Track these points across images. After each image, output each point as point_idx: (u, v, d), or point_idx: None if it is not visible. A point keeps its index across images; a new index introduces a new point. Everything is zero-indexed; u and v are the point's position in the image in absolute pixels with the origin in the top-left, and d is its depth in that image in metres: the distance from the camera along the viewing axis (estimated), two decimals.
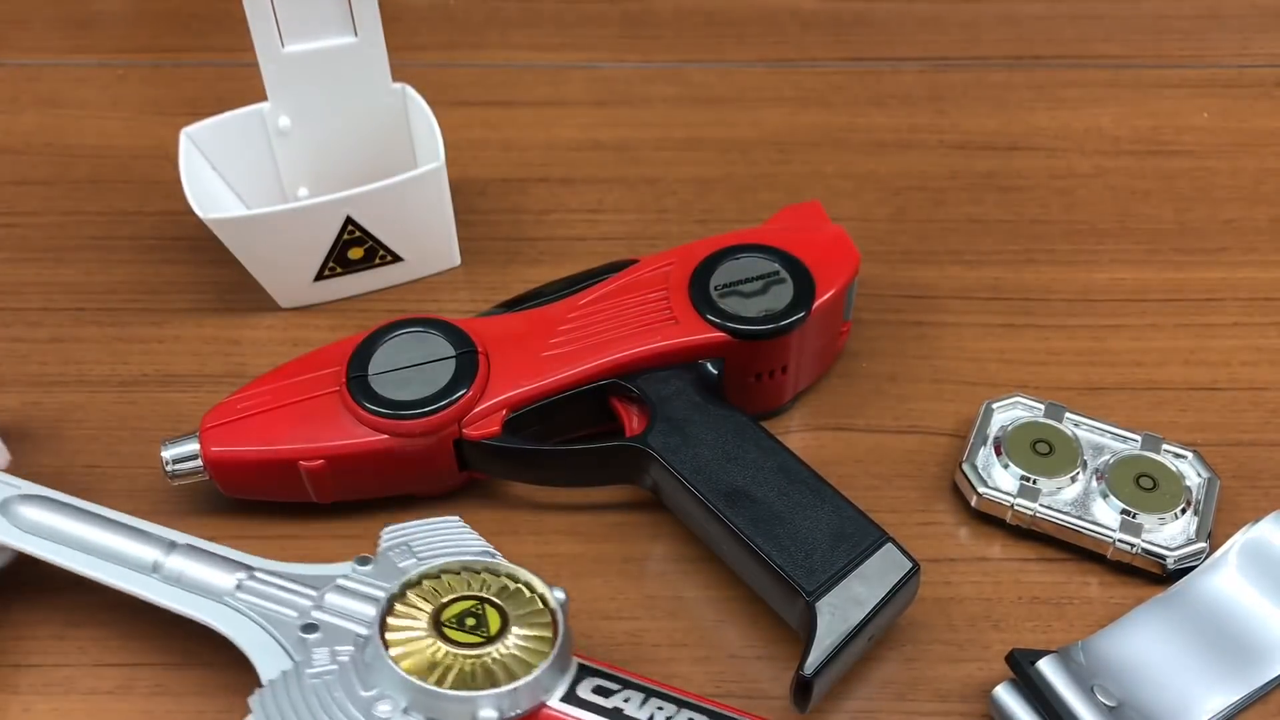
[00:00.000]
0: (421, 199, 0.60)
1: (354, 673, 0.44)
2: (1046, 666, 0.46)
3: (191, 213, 0.57)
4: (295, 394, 0.53)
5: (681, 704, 0.44)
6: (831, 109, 0.74)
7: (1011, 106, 0.74)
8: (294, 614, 0.46)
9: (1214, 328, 0.62)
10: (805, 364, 0.57)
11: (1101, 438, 0.55)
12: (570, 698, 0.44)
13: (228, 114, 0.61)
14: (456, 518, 0.50)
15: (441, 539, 0.48)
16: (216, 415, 0.53)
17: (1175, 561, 0.51)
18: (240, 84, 0.63)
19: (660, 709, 0.44)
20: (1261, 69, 0.77)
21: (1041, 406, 0.56)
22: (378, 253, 0.61)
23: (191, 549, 0.48)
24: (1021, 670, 0.46)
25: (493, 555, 0.48)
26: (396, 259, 0.62)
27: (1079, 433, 0.55)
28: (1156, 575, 0.52)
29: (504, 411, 0.52)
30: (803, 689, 0.46)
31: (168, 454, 0.52)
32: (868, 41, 0.79)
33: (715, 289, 0.55)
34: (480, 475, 0.55)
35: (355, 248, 0.60)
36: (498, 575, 0.46)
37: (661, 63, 0.77)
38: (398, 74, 0.62)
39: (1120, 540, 0.51)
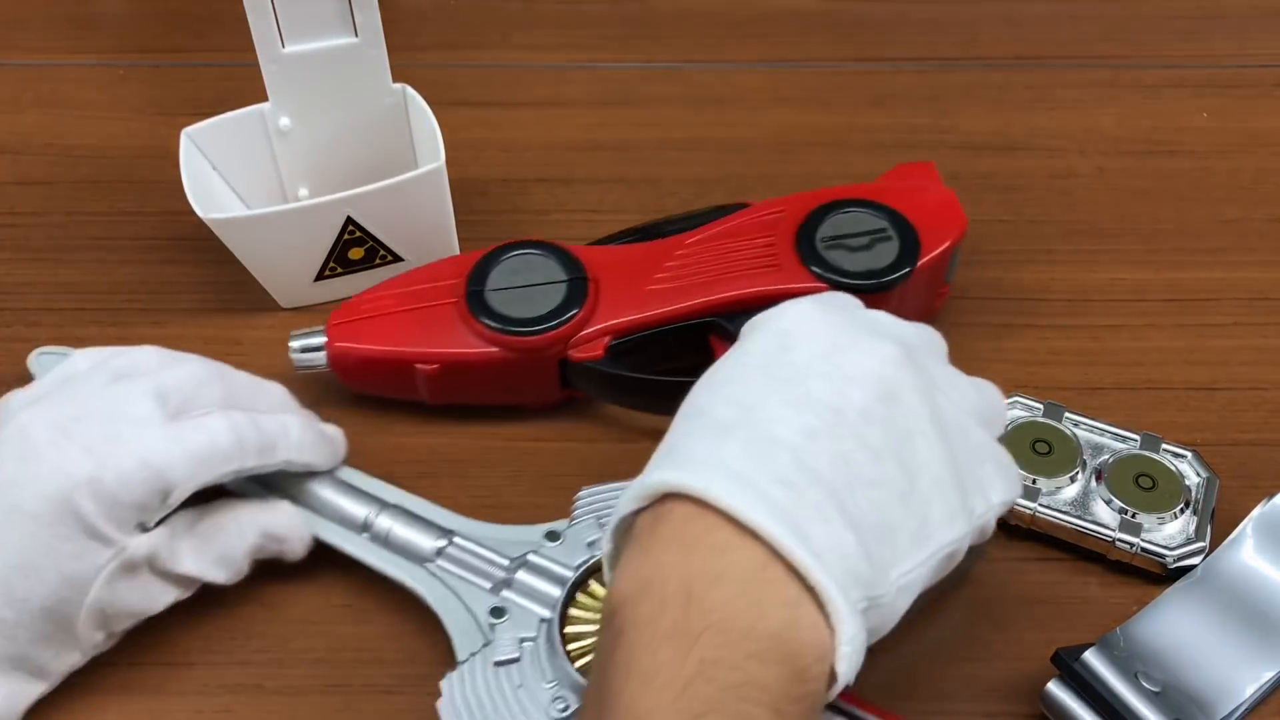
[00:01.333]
0: (422, 199, 0.60)
1: (537, 660, 0.46)
2: (1092, 659, 0.46)
3: (192, 213, 0.57)
4: (416, 301, 0.56)
5: (839, 709, 0.44)
6: (831, 109, 0.74)
7: (1011, 106, 0.74)
8: (488, 584, 0.48)
9: (1213, 328, 0.62)
10: None
11: (1100, 437, 0.55)
12: None
13: (228, 114, 0.61)
14: None
15: None
16: (342, 313, 0.56)
17: (1175, 560, 0.51)
18: (240, 84, 0.63)
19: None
20: (1261, 69, 0.77)
21: (1040, 406, 0.56)
22: (378, 253, 0.61)
23: (400, 510, 0.51)
24: (1068, 667, 0.46)
25: None
26: (397, 259, 0.62)
27: (1078, 433, 0.55)
28: (1156, 575, 0.52)
29: (608, 338, 0.55)
30: None
31: (295, 344, 0.56)
32: (868, 41, 0.79)
33: (821, 241, 0.56)
34: (580, 394, 0.57)
35: (356, 248, 0.60)
36: None
37: (661, 63, 0.77)
38: (398, 74, 0.62)
39: (1120, 540, 0.51)
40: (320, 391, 0.57)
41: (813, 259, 0.56)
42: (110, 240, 0.66)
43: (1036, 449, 0.54)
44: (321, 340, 0.56)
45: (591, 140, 0.72)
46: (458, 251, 0.64)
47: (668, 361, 0.56)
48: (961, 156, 0.71)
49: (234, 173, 0.63)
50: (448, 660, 0.50)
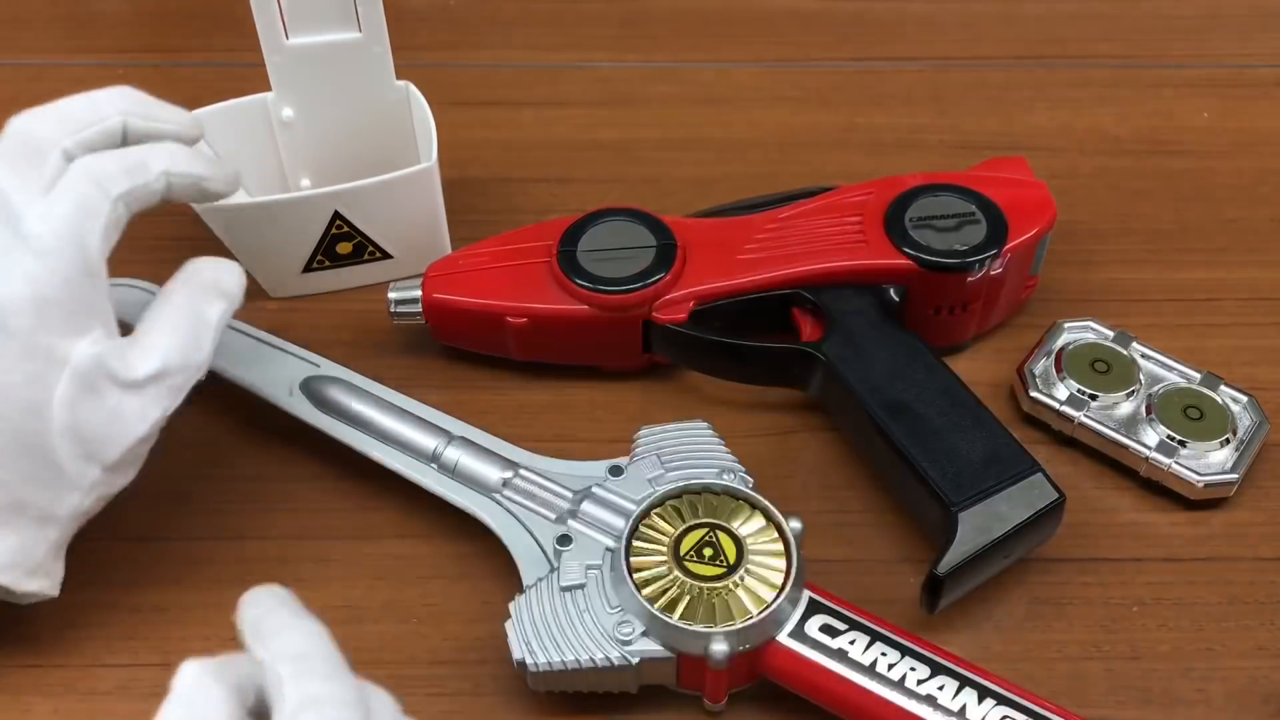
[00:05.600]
0: (412, 198, 0.60)
1: (602, 587, 0.47)
2: None
3: (191, 212, 0.57)
4: (511, 258, 0.58)
5: (906, 650, 0.46)
6: (831, 109, 0.74)
7: (1011, 106, 0.74)
8: (552, 515, 0.50)
9: (1213, 328, 0.62)
10: (987, 308, 0.59)
11: (1163, 370, 0.57)
12: (798, 634, 0.46)
13: (232, 101, 0.62)
14: (706, 425, 0.53)
15: (689, 448, 0.52)
16: (439, 266, 0.59)
17: (1205, 487, 0.53)
18: (241, 84, 0.63)
19: (884, 655, 0.45)
20: (1261, 69, 0.77)
21: (1111, 333, 0.58)
22: (366, 248, 0.61)
23: (466, 441, 0.53)
24: None
25: (734, 470, 0.51)
26: (386, 256, 0.62)
27: (1142, 362, 0.57)
28: (1188, 500, 0.54)
29: (692, 302, 0.57)
30: (933, 587, 0.48)
31: (394, 294, 0.58)
32: (868, 41, 0.79)
33: (910, 221, 0.57)
34: (661, 359, 0.59)
35: (344, 242, 0.60)
36: (736, 499, 0.49)
37: (661, 63, 0.77)
38: (398, 74, 0.62)
39: (1154, 459, 0.53)
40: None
41: (900, 237, 0.57)
42: None
43: (1095, 367, 0.56)
44: (418, 292, 0.58)
45: (591, 140, 0.72)
46: (449, 250, 0.64)
47: (750, 330, 0.57)
48: (961, 156, 0.71)
49: (236, 160, 0.63)
50: (446, 661, 0.50)
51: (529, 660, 0.46)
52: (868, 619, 0.47)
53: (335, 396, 0.54)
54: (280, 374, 0.55)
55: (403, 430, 0.53)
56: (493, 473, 0.52)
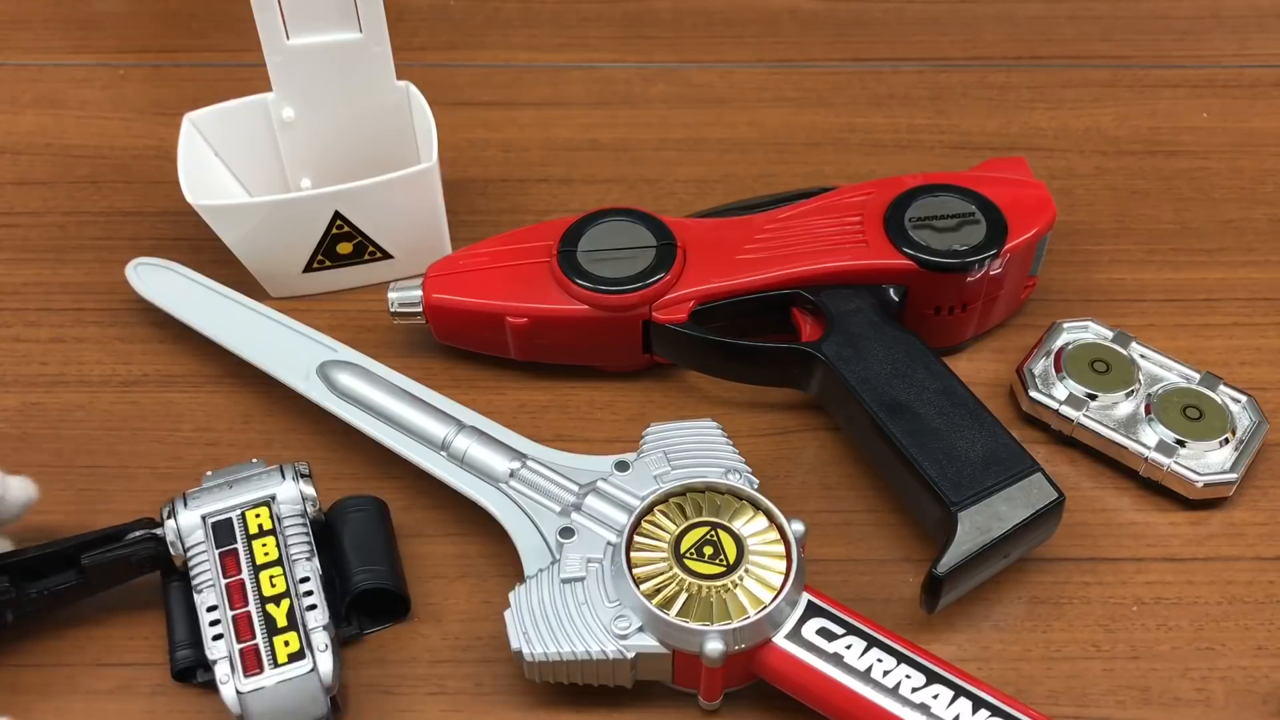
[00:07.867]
0: (412, 198, 0.60)
1: (601, 581, 0.48)
2: None
3: (192, 213, 0.57)
4: (511, 259, 0.58)
5: (902, 657, 0.46)
6: (831, 109, 0.74)
7: (1011, 106, 0.74)
8: (557, 507, 0.51)
9: (1213, 328, 0.62)
10: (986, 308, 0.59)
11: (1162, 370, 0.57)
12: (794, 636, 0.46)
13: (233, 101, 0.62)
14: (715, 424, 0.53)
15: (697, 446, 0.52)
16: (440, 267, 0.59)
17: (1204, 486, 0.53)
18: (241, 84, 0.63)
19: (880, 661, 0.45)
20: (1261, 69, 0.77)
21: (1110, 334, 0.58)
22: (366, 248, 0.61)
23: (477, 431, 0.53)
24: None
25: (740, 471, 0.51)
26: (386, 256, 0.62)
27: (1141, 362, 0.57)
28: (1188, 500, 0.54)
29: (692, 302, 0.57)
30: (933, 587, 0.48)
31: (394, 295, 0.58)
32: (867, 41, 0.79)
33: (909, 221, 0.58)
34: (661, 360, 0.59)
35: (344, 242, 0.60)
36: (739, 499, 0.49)
37: (661, 63, 0.77)
38: (399, 74, 0.62)
39: (1154, 459, 0.53)
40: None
41: (900, 237, 0.57)
42: (110, 240, 0.66)
43: (1095, 367, 0.56)
44: (418, 293, 0.58)
45: (591, 140, 0.72)
46: (449, 251, 0.64)
47: (749, 331, 0.57)
48: (961, 156, 0.71)
49: (237, 160, 0.63)
50: (446, 660, 0.50)
51: (525, 650, 0.46)
52: (865, 624, 0.47)
53: (350, 381, 0.55)
54: (298, 357, 0.56)
55: (414, 417, 0.54)
56: (501, 463, 0.52)
